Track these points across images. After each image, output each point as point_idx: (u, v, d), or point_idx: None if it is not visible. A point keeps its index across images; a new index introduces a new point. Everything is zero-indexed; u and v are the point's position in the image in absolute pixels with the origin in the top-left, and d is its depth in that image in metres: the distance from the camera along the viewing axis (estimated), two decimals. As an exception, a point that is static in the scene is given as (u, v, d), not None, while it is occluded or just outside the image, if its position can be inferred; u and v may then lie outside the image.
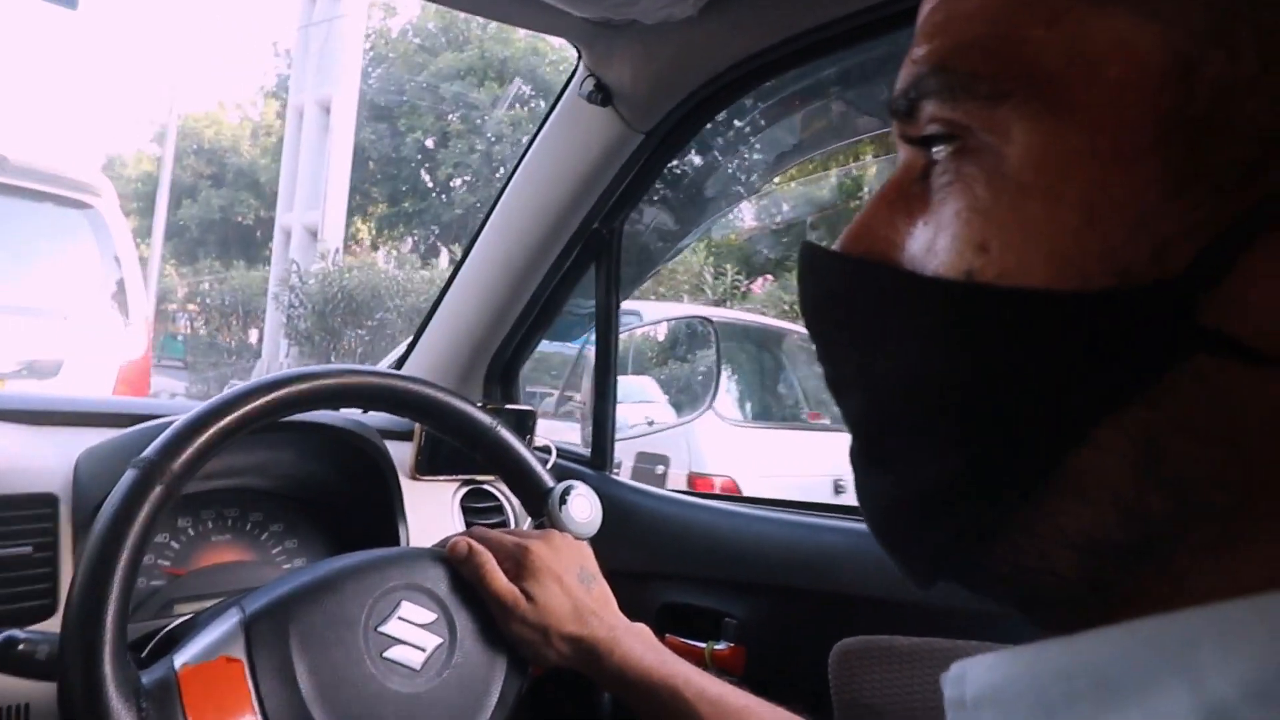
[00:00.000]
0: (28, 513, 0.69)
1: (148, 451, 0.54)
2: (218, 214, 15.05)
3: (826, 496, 2.64)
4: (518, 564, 0.59)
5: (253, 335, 11.19)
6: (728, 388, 3.45)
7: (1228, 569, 0.20)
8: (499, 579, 0.59)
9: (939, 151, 0.23)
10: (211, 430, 0.55)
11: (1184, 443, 0.19)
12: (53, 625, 0.66)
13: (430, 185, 12.59)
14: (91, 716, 0.47)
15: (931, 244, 0.23)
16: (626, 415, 1.16)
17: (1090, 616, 0.21)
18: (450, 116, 11.88)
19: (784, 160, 1.06)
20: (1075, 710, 0.20)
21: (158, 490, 0.52)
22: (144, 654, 0.63)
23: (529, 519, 0.73)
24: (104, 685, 0.47)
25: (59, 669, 0.49)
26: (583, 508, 0.66)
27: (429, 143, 12.32)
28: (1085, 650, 0.21)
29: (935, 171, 0.24)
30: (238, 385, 0.61)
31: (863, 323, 0.25)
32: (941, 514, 0.23)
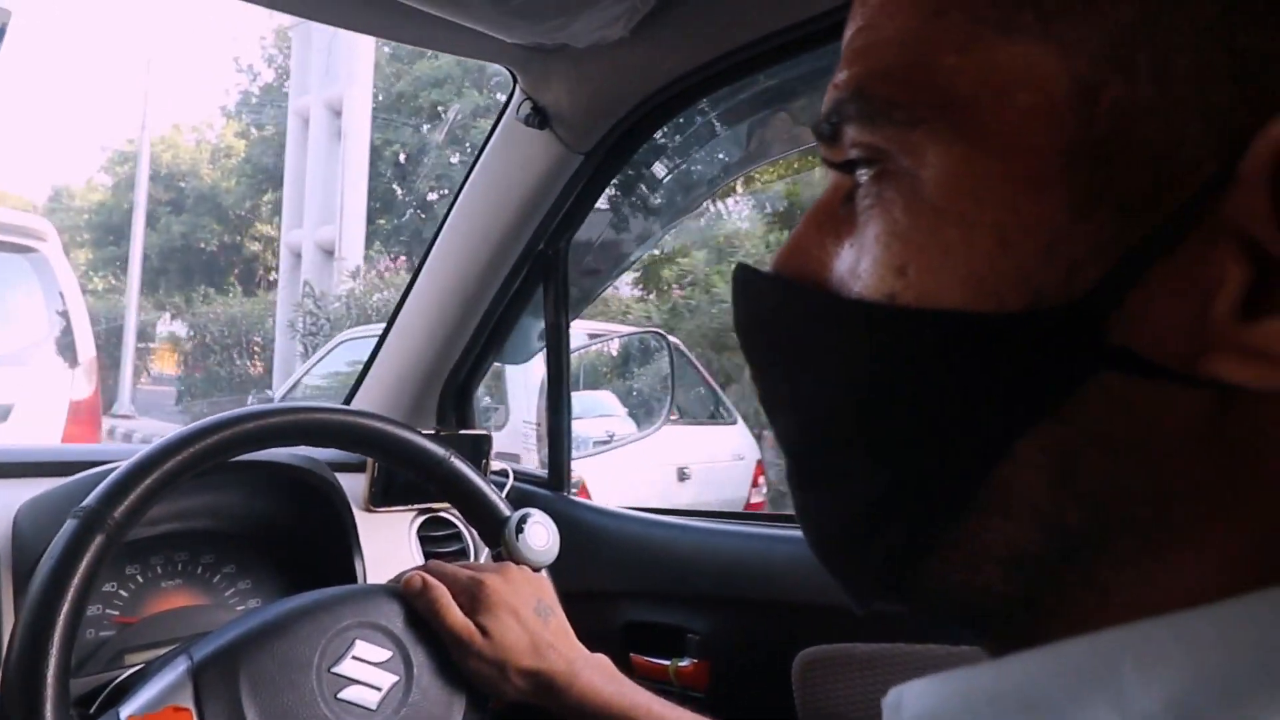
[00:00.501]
0: None
1: (88, 500, 0.53)
2: (179, 241, 14.55)
3: (672, 483, 2.84)
4: (473, 598, 0.59)
5: (255, 367, 10.20)
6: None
7: (1150, 580, 0.20)
8: (454, 614, 0.58)
9: (862, 175, 0.24)
10: (154, 476, 0.55)
11: (1097, 457, 0.20)
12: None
13: (408, 199, 12.29)
14: None
15: (855, 266, 0.23)
16: (589, 431, 1.16)
17: (1023, 631, 0.22)
18: (425, 129, 11.50)
19: (729, 172, 1.07)
20: None
21: (99, 539, 0.52)
22: (92, 709, 0.61)
23: (486, 550, 0.73)
24: None
25: None
26: (540, 535, 0.65)
27: (402, 157, 11.97)
28: (1013, 674, 0.21)
29: (859, 194, 0.24)
30: (178, 429, 0.60)
31: (789, 343, 0.25)
32: (872, 533, 0.23)
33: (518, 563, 0.64)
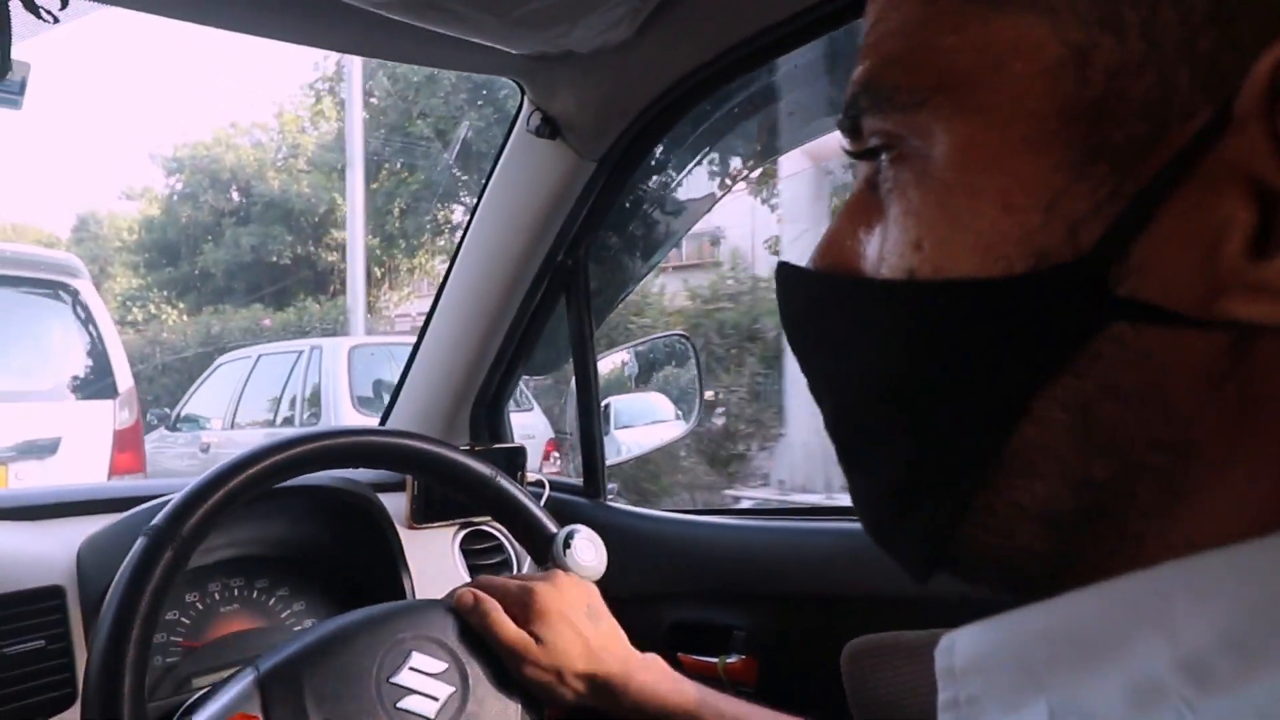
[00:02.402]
0: (36, 606, 0.70)
1: (156, 519, 0.56)
2: (249, 255, 12.31)
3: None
4: (525, 608, 0.60)
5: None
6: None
7: (1181, 527, 0.21)
8: (507, 626, 0.59)
9: (882, 161, 0.25)
10: (218, 494, 0.57)
11: (1114, 407, 0.20)
12: (74, 714, 0.68)
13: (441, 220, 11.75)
14: None
15: (881, 249, 0.24)
16: (645, 440, 1.15)
17: (1067, 589, 0.22)
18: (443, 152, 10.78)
19: (746, 165, 1.06)
20: (1057, 672, 0.21)
21: (168, 555, 0.54)
22: None
23: (529, 559, 0.73)
24: None
25: None
26: (587, 551, 0.66)
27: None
28: (1064, 612, 0.22)
29: (880, 180, 0.25)
30: (235, 452, 0.62)
31: (825, 333, 0.27)
32: (911, 505, 0.24)
33: None
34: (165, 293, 14.12)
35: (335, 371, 4.97)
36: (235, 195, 13.27)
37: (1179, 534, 0.20)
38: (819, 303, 0.27)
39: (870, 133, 0.24)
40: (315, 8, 0.66)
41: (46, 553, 0.74)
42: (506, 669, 0.60)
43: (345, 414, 4.77)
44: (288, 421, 5.30)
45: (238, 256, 12.45)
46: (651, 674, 0.58)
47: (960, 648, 0.24)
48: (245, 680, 0.55)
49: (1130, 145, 0.19)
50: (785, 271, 0.28)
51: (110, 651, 0.52)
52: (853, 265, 0.26)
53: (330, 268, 12.69)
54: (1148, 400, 0.20)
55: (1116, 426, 0.20)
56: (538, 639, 0.58)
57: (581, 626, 0.59)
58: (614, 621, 0.63)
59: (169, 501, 0.57)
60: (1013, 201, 0.21)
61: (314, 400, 5.15)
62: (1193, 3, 0.19)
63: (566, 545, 0.65)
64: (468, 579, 0.89)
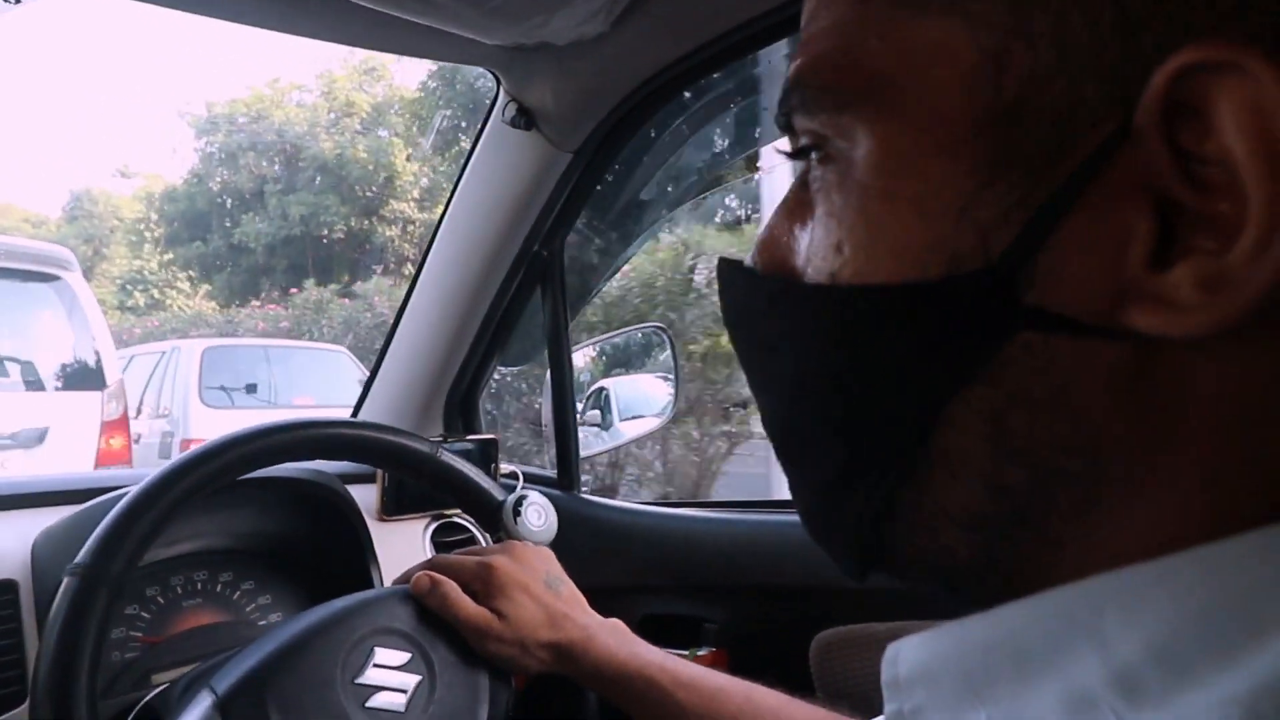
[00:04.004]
0: None
1: (82, 556, 0.53)
2: (297, 228, 10.47)
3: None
4: (484, 583, 0.59)
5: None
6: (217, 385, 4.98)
7: (1100, 533, 0.21)
8: (466, 605, 0.59)
9: (812, 160, 0.25)
10: (145, 519, 0.55)
11: (1025, 415, 0.21)
12: (24, 713, 0.66)
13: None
14: None
15: (808, 249, 0.25)
16: (625, 431, 1.14)
17: (996, 593, 0.23)
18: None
19: (719, 163, 1.07)
20: (996, 684, 0.21)
21: (102, 594, 0.52)
22: None
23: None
24: None
25: None
26: (537, 515, 0.66)
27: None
28: (1003, 623, 0.22)
29: (810, 179, 0.25)
30: (163, 465, 0.59)
31: (757, 331, 0.27)
32: (839, 502, 0.24)
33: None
34: (190, 272, 12.13)
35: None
36: (277, 161, 11.25)
37: (1099, 540, 0.21)
38: (751, 301, 0.27)
39: (801, 131, 0.25)
40: (290, -7, 0.65)
41: None
42: (470, 647, 0.59)
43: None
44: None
45: (284, 229, 10.60)
46: (612, 638, 0.59)
47: (904, 659, 0.24)
48: (203, 705, 0.52)
49: (1039, 154, 0.19)
50: (723, 268, 0.29)
51: (54, 701, 0.49)
52: (787, 263, 0.26)
53: (387, 243, 10.96)
54: (1057, 407, 0.20)
55: (1028, 433, 0.21)
56: (499, 614, 0.58)
57: (542, 596, 0.59)
58: (573, 586, 0.63)
59: (94, 534, 0.54)
60: (927, 207, 0.21)
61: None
62: (1100, 14, 0.19)
63: (516, 513, 0.65)
64: (432, 567, 0.88)
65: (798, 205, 0.26)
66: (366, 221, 10.79)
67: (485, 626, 0.58)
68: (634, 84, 0.78)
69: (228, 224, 11.46)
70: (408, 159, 10.41)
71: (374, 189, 10.74)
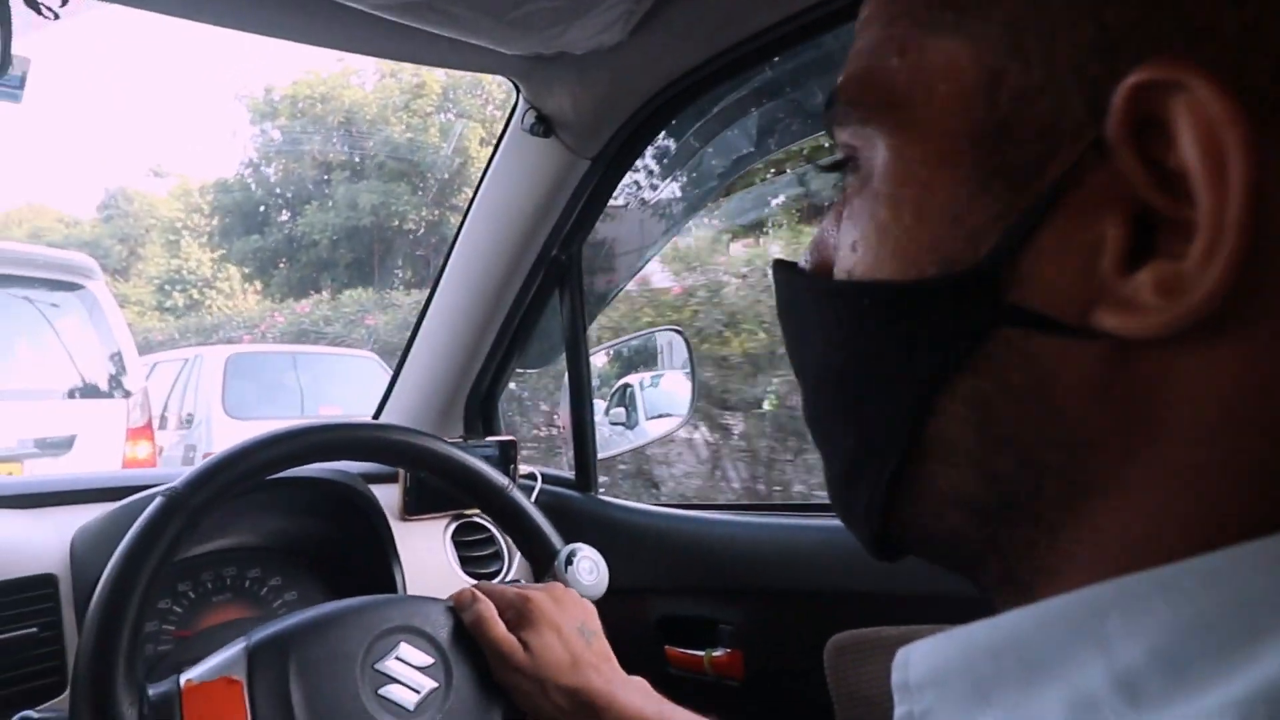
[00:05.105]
0: (29, 594, 0.71)
1: (176, 483, 0.58)
2: (367, 218, 9.42)
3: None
4: (518, 613, 0.60)
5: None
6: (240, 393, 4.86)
7: (1088, 523, 0.22)
8: (497, 627, 0.60)
9: (847, 169, 0.27)
10: (235, 470, 0.60)
11: (1008, 405, 0.22)
12: (64, 702, 0.68)
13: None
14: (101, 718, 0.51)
15: (836, 250, 0.27)
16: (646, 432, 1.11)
17: (1002, 575, 0.24)
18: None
19: (739, 165, 1.07)
20: (1003, 688, 0.22)
21: (178, 520, 0.57)
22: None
23: (519, 555, 0.74)
24: (113, 689, 0.52)
25: (71, 696, 0.53)
26: (588, 570, 0.67)
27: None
28: (1010, 628, 0.23)
29: (845, 186, 0.27)
30: (253, 435, 0.64)
31: (793, 325, 0.30)
32: (855, 485, 0.26)
33: None
34: (244, 268, 11.17)
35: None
36: (344, 146, 10.19)
37: (1089, 530, 0.22)
38: (788, 296, 0.30)
39: (839, 143, 0.27)
40: (313, 7, 0.67)
41: (40, 541, 0.74)
42: (491, 670, 0.60)
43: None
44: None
45: (351, 220, 9.55)
46: (636, 695, 0.58)
47: (914, 663, 0.25)
48: (236, 647, 0.57)
49: (1025, 165, 0.21)
50: (776, 267, 0.32)
51: (102, 636, 0.53)
52: (827, 262, 0.28)
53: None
54: (1037, 400, 0.21)
55: (1010, 423, 0.22)
56: (525, 645, 0.59)
57: (571, 640, 0.60)
58: (606, 643, 0.63)
59: (176, 478, 0.59)
60: (925, 212, 0.23)
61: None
62: (1082, 33, 0.20)
63: (569, 563, 0.67)
64: (459, 570, 0.90)
65: (839, 211, 0.28)
66: (438, 211, 9.82)
67: (508, 652, 0.59)
68: (651, 92, 0.79)
69: (285, 216, 10.59)
70: (480, 143, 9.40)
71: (447, 175, 9.85)
